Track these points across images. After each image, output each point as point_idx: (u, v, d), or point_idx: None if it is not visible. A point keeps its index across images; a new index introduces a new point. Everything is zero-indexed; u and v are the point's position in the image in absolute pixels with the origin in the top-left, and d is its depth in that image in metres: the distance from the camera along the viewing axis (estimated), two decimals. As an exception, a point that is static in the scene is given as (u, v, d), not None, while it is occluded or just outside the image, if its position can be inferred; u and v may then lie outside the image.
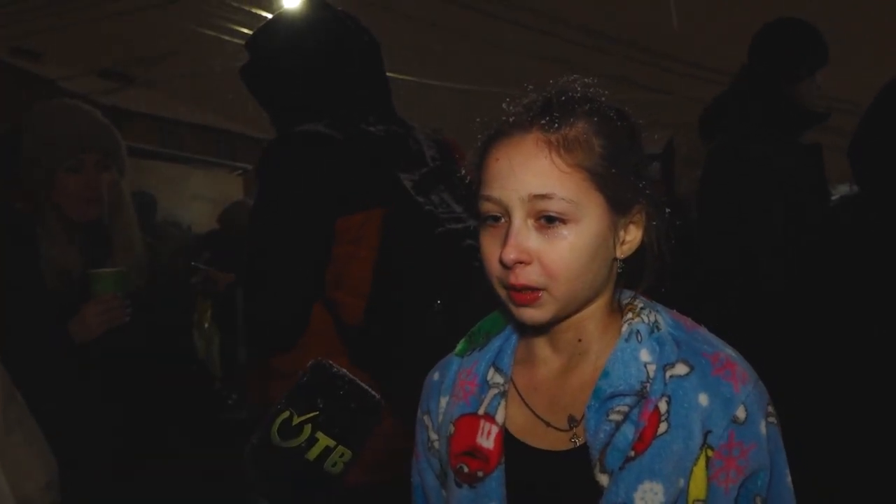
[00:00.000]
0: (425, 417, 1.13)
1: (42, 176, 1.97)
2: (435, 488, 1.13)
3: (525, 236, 0.94)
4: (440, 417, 1.09)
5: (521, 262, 0.94)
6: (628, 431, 0.93)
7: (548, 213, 0.93)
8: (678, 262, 1.01)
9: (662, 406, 0.93)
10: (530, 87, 1.00)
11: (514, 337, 1.08)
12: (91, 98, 14.41)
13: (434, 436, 1.11)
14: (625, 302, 1.03)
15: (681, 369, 0.95)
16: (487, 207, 0.97)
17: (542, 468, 0.99)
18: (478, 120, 1.02)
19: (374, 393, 1.07)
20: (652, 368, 0.95)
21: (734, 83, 2.67)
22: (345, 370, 1.06)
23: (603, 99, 0.99)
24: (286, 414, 1.02)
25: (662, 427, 0.92)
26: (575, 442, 0.97)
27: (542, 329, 1.02)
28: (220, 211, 5.76)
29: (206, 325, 3.64)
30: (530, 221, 0.94)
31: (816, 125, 2.60)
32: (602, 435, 0.94)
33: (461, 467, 1.03)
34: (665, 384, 0.94)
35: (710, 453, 0.92)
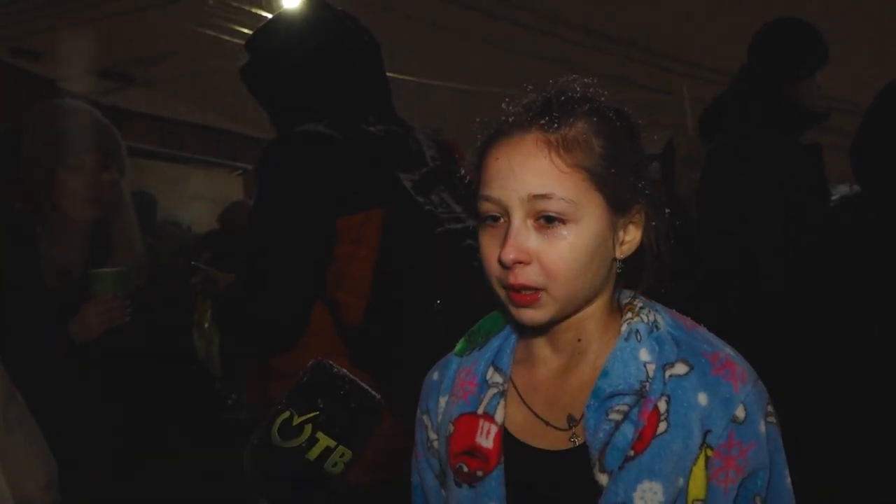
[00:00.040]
0: (424, 417, 1.13)
1: (42, 176, 1.97)
2: (434, 488, 1.13)
3: (524, 236, 0.94)
4: (439, 417, 1.09)
5: (520, 262, 0.94)
6: (628, 431, 0.93)
7: (547, 213, 0.93)
8: (678, 262, 1.01)
9: (662, 405, 0.93)
10: (530, 87, 1.00)
11: (514, 336, 1.08)
12: (91, 98, 14.38)
13: (433, 435, 1.11)
14: (624, 302, 1.03)
15: (680, 369, 0.95)
16: (487, 207, 0.97)
17: (541, 468, 0.99)
18: (477, 120, 1.02)
19: (374, 393, 1.07)
20: (651, 368, 0.96)
21: (734, 83, 2.67)
22: (345, 370, 1.07)
23: (602, 99, 0.99)
24: (287, 414, 1.02)
25: (662, 426, 0.92)
26: (574, 441, 0.98)
27: (541, 329, 1.02)
28: (220, 211, 5.76)
29: (206, 325, 3.63)
30: (530, 221, 0.94)
31: (816, 125, 2.60)
32: (601, 434, 0.94)
33: (460, 467, 1.03)
34: (664, 383, 0.94)
35: (709, 453, 0.92)
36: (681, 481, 0.92)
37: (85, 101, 2.31)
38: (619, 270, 1.01)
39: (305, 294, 1.75)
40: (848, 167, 1.92)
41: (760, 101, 2.52)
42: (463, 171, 1.04)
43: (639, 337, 0.98)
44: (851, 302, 1.75)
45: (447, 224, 1.73)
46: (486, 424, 1.02)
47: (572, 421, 0.99)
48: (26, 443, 1.48)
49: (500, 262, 0.94)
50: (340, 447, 1.02)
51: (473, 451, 1.02)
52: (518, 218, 0.94)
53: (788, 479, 0.97)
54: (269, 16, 2.18)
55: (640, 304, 1.02)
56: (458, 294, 1.60)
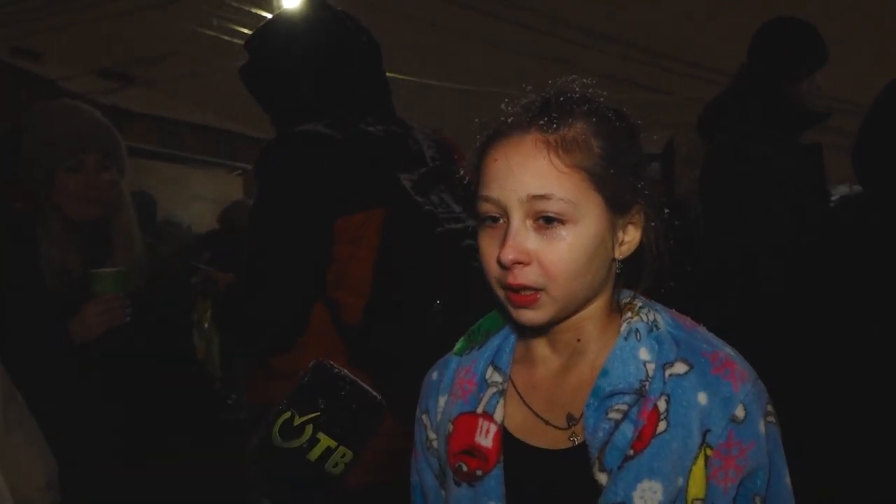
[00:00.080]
0: (424, 416, 1.13)
1: (42, 176, 1.97)
2: (434, 487, 1.13)
3: (524, 237, 0.94)
4: (439, 416, 1.09)
5: (519, 263, 0.93)
6: (627, 430, 0.93)
7: (546, 214, 0.93)
8: (678, 262, 1.01)
9: (661, 405, 0.93)
10: (529, 87, 1.00)
11: (513, 336, 1.08)
12: (91, 98, 14.42)
13: (433, 435, 1.11)
14: (624, 301, 1.03)
15: (680, 368, 0.95)
16: (486, 208, 0.97)
17: (540, 467, 0.99)
18: (476, 120, 1.02)
19: (375, 393, 1.07)
20: (651, 367, 0.96)
21: (734, 83, 2.67)
22: (346, 371, 1.07)
23: (602, 99, 0.99)
24: (288, 414, 1.02)
25: (661, 426, 0.92)
26: (574, 440, 0.97)
27: (540, 329, 1.02)
28: (220, 211, 5.77)
29: (206, 325, 3.64)
30: (529, 222, 0.94)
31: (816, 125, 2.60)
32: (601, 433, 0.94)
33: (460, 466, 1.03)
34: (664, 383, 0.94)
35: (708, 452, 0.92)
36: (680, 481, 0.92)
37: (85, 101, 2.31)
38: (618, 271, 1.01)
39: (305, 294, 1.75)
40: (848, 167, 1.92)
41: (760, 101, 2.52)
42: (462, 172, 1.04)
43: (638, 336, 0.98)
44: (851, 302, 1.75)
45: (447, 224, 1.73)
46: (486, 423, 1.02)
47: (572, 420, 0.99)
48: (26, 443, 1.48)
49: (499, 262, 0.94)
50: (341, 448, 1.02)
51: (473, 451, 1.02)
52: (517, 218, 0.94)
53: (788, 479, 0.97)
54: (269, 16, 2.19)
55: (639, 304, 1.02)
56: (458, 294, 1.60)
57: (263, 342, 1.82)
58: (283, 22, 1.93)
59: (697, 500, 0.92)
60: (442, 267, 1.68)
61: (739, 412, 0.93)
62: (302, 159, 1.74)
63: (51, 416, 1.59)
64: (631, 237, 0.99)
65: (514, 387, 1.05)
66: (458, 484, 1.03)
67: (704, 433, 0.92)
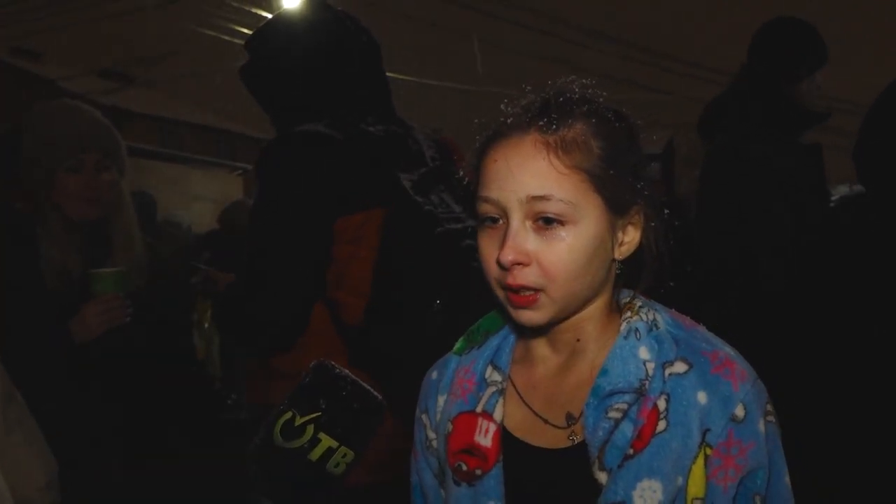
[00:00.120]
0: (423, 416, 1.13)
1: (42, 176, 1.97)
2: (433, 487, 1.13)
3: (523, 238, 0.94)
4: (438, 416, 1.10)
5: (519, 264, 0.94)
6: (627, 429, 0.93)
7: (546, 215, 0.93)
8: (678, 262, 1.01)
9: (661, 404, 0.93)
10: (529, 87, 1.00)
11: (513, 336, 1.08)
12: (91, 98, 14.42)
13: (432, 434, 1.11)
14: (623, 301, 1.03)
15: (680, 367, 0.95)
16: (485, 209, 0.97)
17: (540, 466, 0.99)
18: (476, 121, 1.02)
19: (376, 394, 1.07)
20: (651, 366, 0.96)
21: (734, 83, 2.67)
22: (347, 371, 1.07)
23: (601, 100, 0.99)
24: (289, 414, 1.02)
25: (661, 425, 0.93)
26: (573, 440, 0.97)
27: (540, 329, 1.02)
28: (220, 211, 5.77)
29: (206, 325, 3.65)
30: (528, 223, 0.94)
31: (816, 125, 2.60)
32: (601, 432, 0.94)
33: (459, 465, 1.03)
34: (664, 382, 0.94)
35: (708, 451, 0.92)
36: (680, 480, 0.92)
37: (85, 101, 2.31)
38: (618, 271, 1.01)
39: (305, 294, 1.75)
40: (848, 167, 1.92)
41: (760, 101, 2.52)
42: (462, 172, 1.04)
43: (638, 335, 0.98)
44: (851, 302, 1.75)
45: (447, 224, 1.73)
46: (485, 423, 1.02)
47: (571, 419, 0.99)
48: (26, 443, 1.48)
49: (498, 263, 0.94)
50: (342, 448, 1.02)
51: (472, 450, 1.02)
52: (517, 219, 0.94)
53: (787, 479, 0.97)
54: (269, 16, 2.19)
55: (639, 304, 1.02)
56: (458, 294, 1.60)
57: (263, 342, 1.82)
58: (283, 22, 1.93)
59: (697, 499, 0.92)
60: (442, 267, 1.68)
61: (739, 411, 0.93)
62: (302, 159, 1.74)
63: (51, 416, 1.59)
64: (630, 238, 0.99)
65: (514, 386, 1.05)
66: (457, 483, 1.03)
67: (704, 432, 0.92)
